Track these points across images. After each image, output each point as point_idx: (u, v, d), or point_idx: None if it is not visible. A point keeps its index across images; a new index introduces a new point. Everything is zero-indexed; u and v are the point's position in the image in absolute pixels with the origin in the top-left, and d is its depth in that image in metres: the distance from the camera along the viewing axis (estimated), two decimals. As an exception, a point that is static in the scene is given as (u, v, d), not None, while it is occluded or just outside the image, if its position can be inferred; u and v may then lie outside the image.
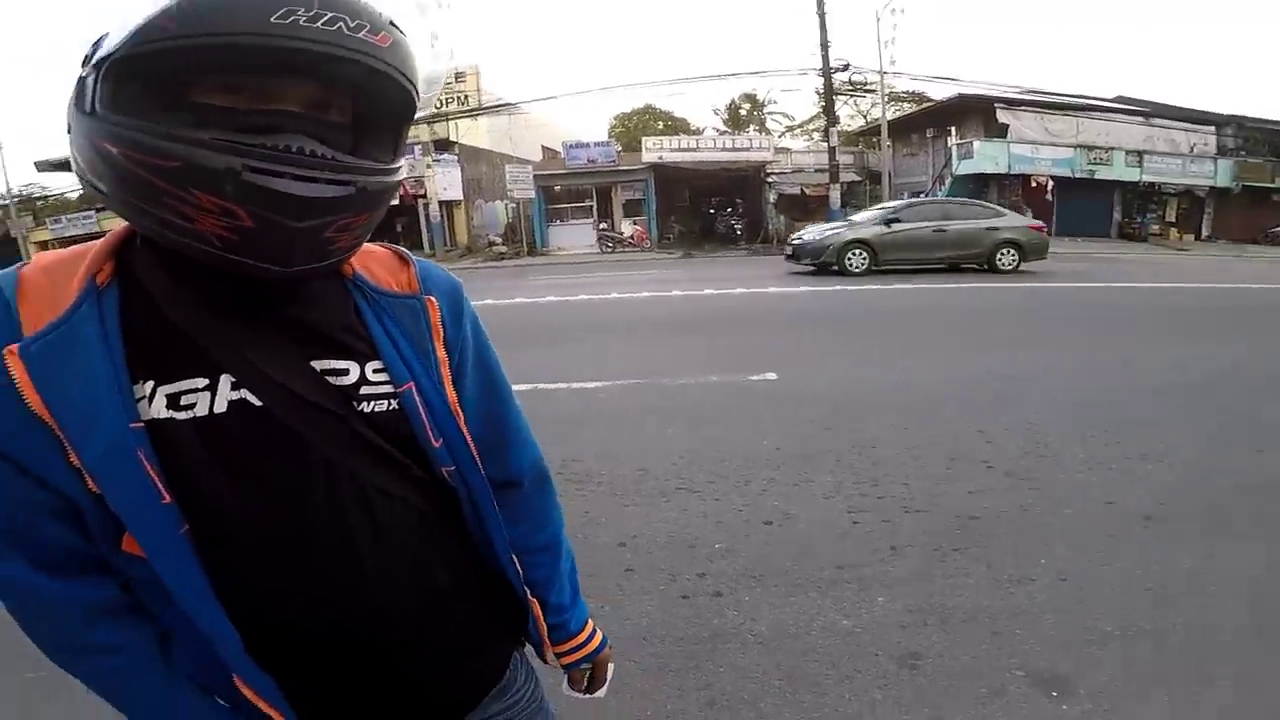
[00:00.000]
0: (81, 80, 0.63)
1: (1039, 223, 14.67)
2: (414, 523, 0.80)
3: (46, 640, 0.72)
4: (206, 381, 0.68)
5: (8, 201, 27.97)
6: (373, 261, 0.82)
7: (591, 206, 24.33)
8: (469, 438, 0.83)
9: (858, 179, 25.83)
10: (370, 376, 0.76)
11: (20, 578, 0.67)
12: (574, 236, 23.82)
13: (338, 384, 0.74)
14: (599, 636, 1.07)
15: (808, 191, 24.75)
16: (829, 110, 22.86)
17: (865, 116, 32.71)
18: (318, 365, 0.74)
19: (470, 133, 24.94)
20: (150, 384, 0.66)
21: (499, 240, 24.02)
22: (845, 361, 6.78)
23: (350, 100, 0.67)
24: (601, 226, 23.92)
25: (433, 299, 0.82)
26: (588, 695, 1.12)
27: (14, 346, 0.61)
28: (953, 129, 24.35)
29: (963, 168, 22.80)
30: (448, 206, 23.87)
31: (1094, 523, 3.29)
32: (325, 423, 0.72)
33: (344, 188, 0.64)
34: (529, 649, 1.05)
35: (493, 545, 0.88)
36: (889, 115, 23.87)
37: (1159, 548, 3.05)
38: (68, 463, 0.63)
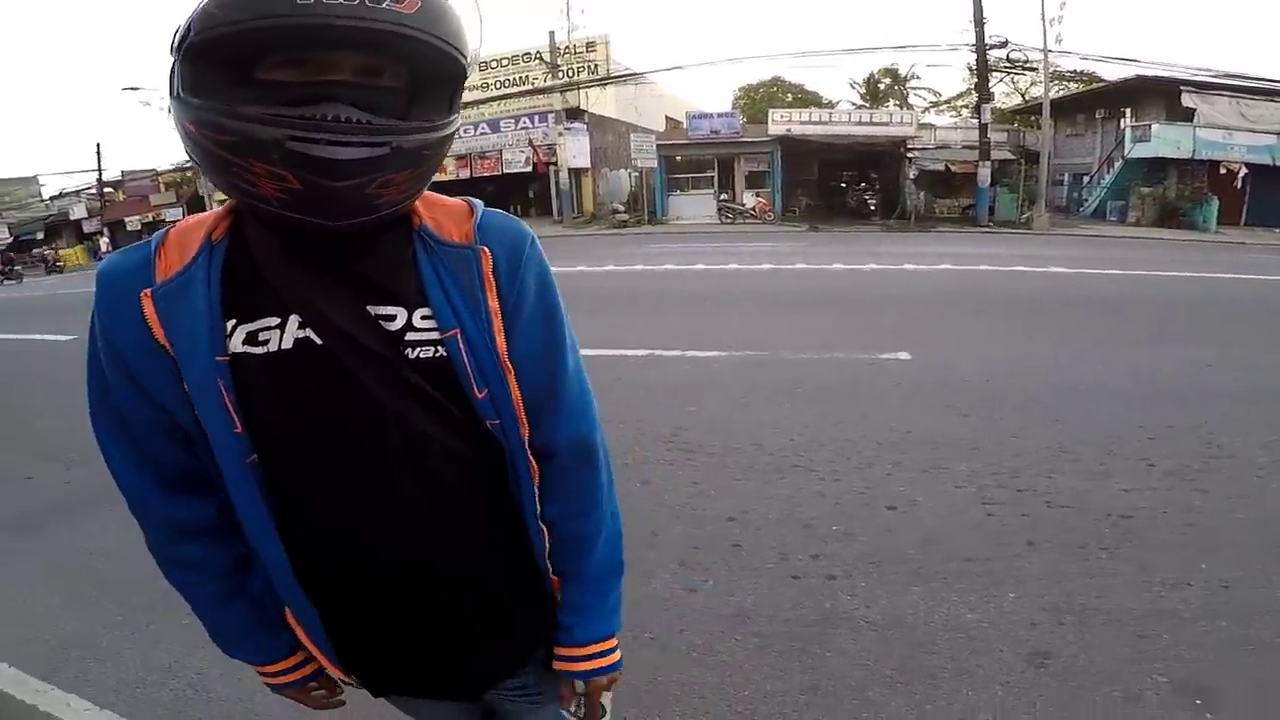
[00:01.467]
0: (171, 68, 0.70)
1: None
2: (457, 471, 0.84)
3: (151, 545, 0.90)
4: (278, 321, 0.77)
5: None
6: (441, 213, 0.85)
7: (713, 177, 24.07)
8: (516, 393, 0.84)
9: (1011, 158, 24.11)
10: (416, 323, 0.80)
11: (139, 488, 0.85)
12: (694, 206, 23.67)
13: (388, 329, 0.79)
14: (607, 660, 0.96)
15: (953, 168, 23.41)
16: (982, 88, 21.62)
17: (1023, 95, 30.57)
18: (373, 310, 0.79)
19: (598, 102, 25.23)
20: (234, 322, 0.77)
21: (621, 209, 24.26)
22: (988, 345, 6.28)
23: (398, 65, 0.71)
24: (722, 197, 23.62)
25: (486, 249, 0.83)
26: None
27: (148, 290, 0.76)
28: (1127, 111, 22.36)
29: (1136, 151, 21.10)
30: (576, 174, 24.38)
31: (1269, 530, 2.91)
32: (376, 364, 0.78)
33: (379, 148, 0.69)
34: None
35: (523, 509, 0.89)
36: (1052, 94, 22.34)
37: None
38: (181, 390, 0.76)
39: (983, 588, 2.55)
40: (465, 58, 0.73)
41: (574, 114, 23.79)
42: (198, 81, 0.68)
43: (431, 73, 0.73)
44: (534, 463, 0.88)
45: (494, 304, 0.82)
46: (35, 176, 35.75)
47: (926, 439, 4.01)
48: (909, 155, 23.63)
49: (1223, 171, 20.73)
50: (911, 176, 23.59)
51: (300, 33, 0.64)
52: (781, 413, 4.51)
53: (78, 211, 33.57)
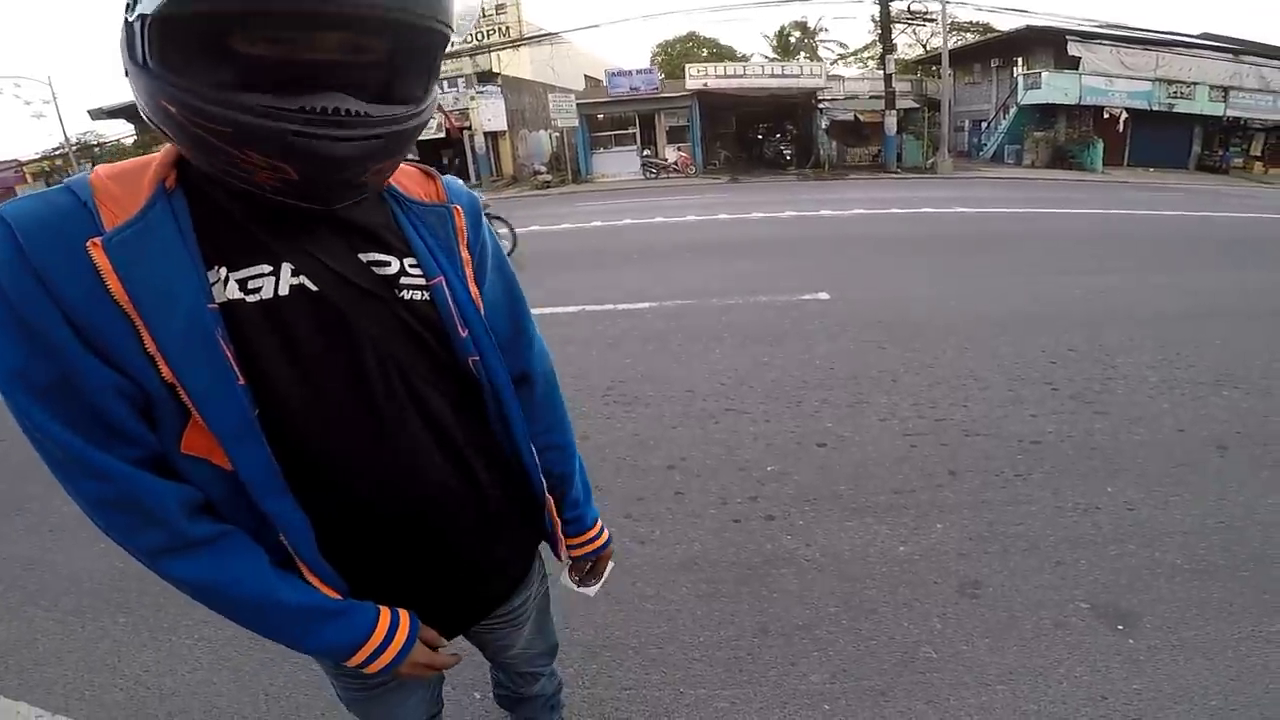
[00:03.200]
0: (129, 25, 0.64)
1: None
2: (448, 408, 0.88)
3: (149, 542, 0.74)
4: (271, 268, 0.74)
5: (67, 150, 28.84)
6: (403, 176, 0.90)
7: (634, 134, 23.73)
8: (489, 330, 0.91)
9: (915, 106, 24.97)
10: (408, 269, 0.84)
11: (120, 471, 0.70)
12: (617, 164, 23.34)
13: (381, 273, 0.82)
14: (606, 534, 1.18)
15: (862, 118, 23.97)
16: (885, 39, 22.16)
17: (924, 46, 31.81)
18: (364, 257, 0.81)
19: (512, 64, 24.32)
20: (224, 270, 0.72)
21: (543, 169, 23.67)
22: (901, 282, 6.49)
23: (381, 40, 0.69)
24: (645, 154, 23.36)
25: (458, 207, 0.92)
26: (580, 589, 1.20)
27: (98, 239, 0.66)
28: (1019, 59, 23.63)
29: (1029, 98, 22.26)
30: (493, 137, 23.52)
31: (1164, 450, 3.10)
32: (371, 306, 0.80)
33: (375, 141, 0.69)
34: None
35: (512, 436, 0.96)
36: (951, 45, 23.30)
37: (1233, 478, 2.85)
38: (143, 350, 0.68)
39: (912, 519, 2.65)
40: (451, 25, 0.71)
41: (486, 77, 22.84)
42: (169, 52, 0.63)
43: (416, 44, 0.71)
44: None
45: (465, 254, 0.91)
46: None
47: (849, 374, 4.13)
48: (820, 106, 23.86)
49: (1106, 116, 22.05)
50: (824, 127, 23.88)
51: (290, 17, 0.61)
52: (712, 358, 4.55)
53: (-70, 213, 30.14)
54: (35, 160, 29.84)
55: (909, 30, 26.67)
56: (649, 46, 47.01)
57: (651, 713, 1.87)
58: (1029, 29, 22.35)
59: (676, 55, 37.65)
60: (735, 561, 2.46)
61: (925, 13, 22.13)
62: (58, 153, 30.33)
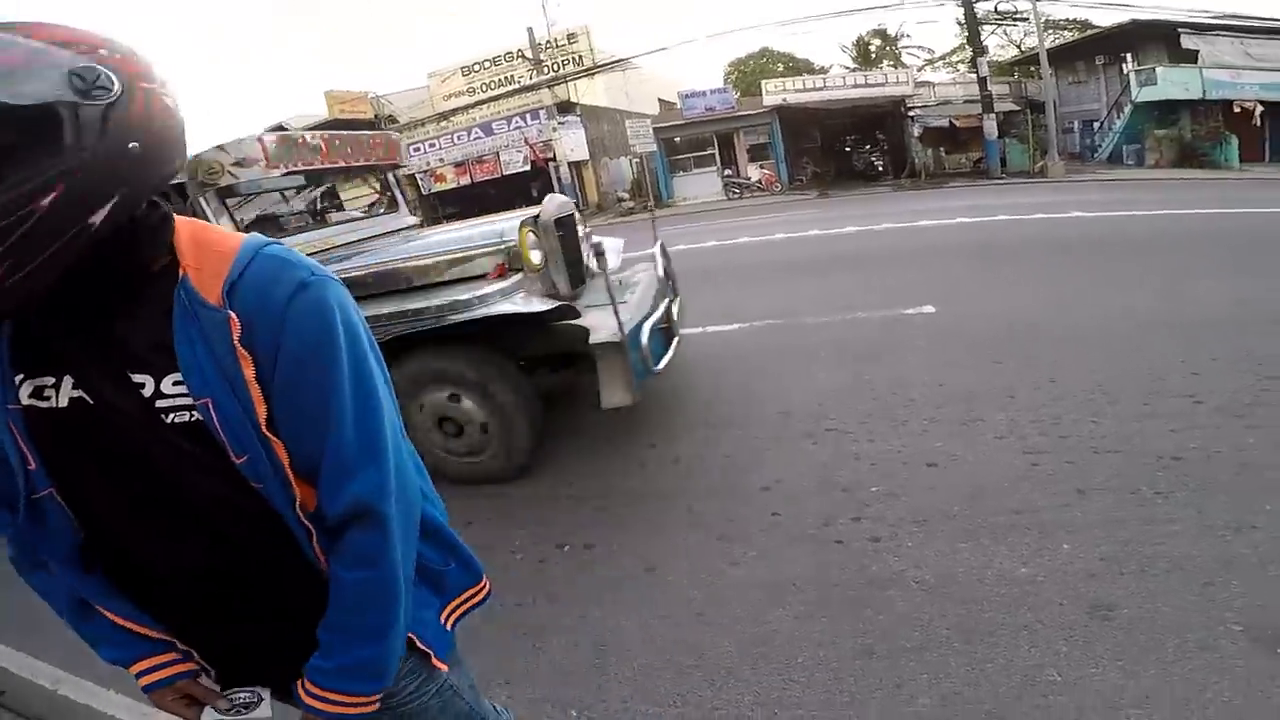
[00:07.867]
0: None
1: None
2: (229, 514, 0.85)
3: (12, 555, 0.94)
4: (54, 380, 0.81)
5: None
6: (207, 262, 0.80)
7: (714, 154, 23.68)
8: (283, 459, 0.82)
9: (1016, 109, 23.73)
10: (166, 389, 0.79)
11: None
12: (698, 186, 23.30)
13: (143, 395, 0.80)
14: (331, 708, 0.89)
15: (958, 123, 23.00)
16: (974, 40, 21.34)
17: (1019, 46, 30.32)
18: (133, 376, 0.80)
19: (588, 93, 24.91)
20: (21, 376, 0.82)
21: (626, 195, 24.02)
22: (1014, 293, 6.09)
23: None
24: (726, 174, 23.27)
25: (234, 315, 0.78)
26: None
27: None
28: (1128, 56, 22.13)
29: (1144, 95, 20.65)
30: (576, 167, 24.14)
31: (1335, 466, 2.72)
32: (135, 425, 0.80)
33: None
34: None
35: (302, 552, 0.88)
36: (1048, 43, 22.14)
37: None
38: None
39: (1035, 540, 2.45)
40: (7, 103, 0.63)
41: (566, 108, 23.48)
42: None
43: None
44: (309, 524, 0.86)
45: (249, 372, 0.78)
46: None
47: (961, 391, 3.89)
48: (910, 114, 23.14)
49: (1238, 110, 20.26)
50: (916, 134, 23.13)
51: None
52: (809, 377, 4.41)
53: None
54: None
55: (999, 30, 25.52)
56: (721, 66, 46.94)
57: (744, 734, 1.80)
58: (1134, 23, 20.86)
59: (751, 72, 37.18)
60: (837, 583, 2.35)
61: (1014, 12, 21.11)
62: None
